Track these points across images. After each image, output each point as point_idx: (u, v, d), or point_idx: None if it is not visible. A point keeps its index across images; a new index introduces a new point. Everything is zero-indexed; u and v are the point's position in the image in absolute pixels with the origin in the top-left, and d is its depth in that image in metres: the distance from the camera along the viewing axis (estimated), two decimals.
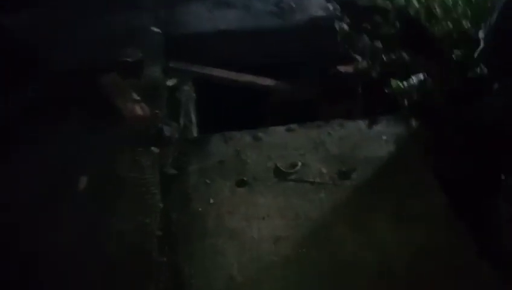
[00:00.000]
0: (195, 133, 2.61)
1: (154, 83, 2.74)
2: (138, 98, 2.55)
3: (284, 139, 2.46)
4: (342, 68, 3.19)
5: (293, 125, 2.54)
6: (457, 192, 2.14)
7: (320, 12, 3.47)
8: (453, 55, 2.74)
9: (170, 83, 2.85)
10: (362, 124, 2.57)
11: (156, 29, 3.13)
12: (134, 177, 2.20)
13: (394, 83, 2.74)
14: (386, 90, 2.83)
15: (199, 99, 2.99)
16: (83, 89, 2.57)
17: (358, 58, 3.20)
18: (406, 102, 2.70)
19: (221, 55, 3.27)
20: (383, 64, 3.12)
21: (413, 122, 2.55)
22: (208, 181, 2.22)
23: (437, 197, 2.14)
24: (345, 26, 3.31)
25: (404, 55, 3.11)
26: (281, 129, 2.53)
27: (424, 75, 2.93)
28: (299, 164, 2.31)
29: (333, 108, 3.04)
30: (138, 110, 2.48)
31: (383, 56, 3.17)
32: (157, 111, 2.55)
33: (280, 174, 2.26)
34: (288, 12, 3.46)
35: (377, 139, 2.46)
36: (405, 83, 2.75)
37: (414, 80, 2.89)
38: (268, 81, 3.24)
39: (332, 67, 3.18)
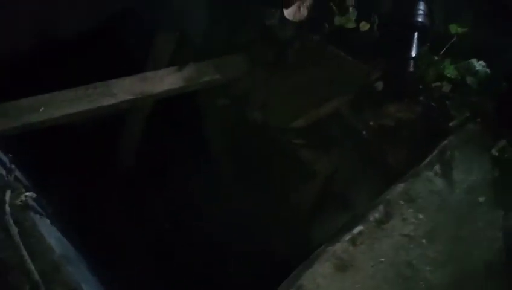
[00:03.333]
0: None
1: None
2: None
3: None
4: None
5: (337, 249, 1.13)
6: None
7: None
8: None
9: None
10: (433, 177, 1.32)
11: None
12: None
13: (449, 68, 1.41)
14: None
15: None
16: None
17: None
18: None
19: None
20: None
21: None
22: None
23: None
24: None
25: None
26: (324, 273, 1.10)
27: None
28: None
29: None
30: None
31: None
32: None
33: None
34: None
35: (475, 208, 1.29)
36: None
37: None
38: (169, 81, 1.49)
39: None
